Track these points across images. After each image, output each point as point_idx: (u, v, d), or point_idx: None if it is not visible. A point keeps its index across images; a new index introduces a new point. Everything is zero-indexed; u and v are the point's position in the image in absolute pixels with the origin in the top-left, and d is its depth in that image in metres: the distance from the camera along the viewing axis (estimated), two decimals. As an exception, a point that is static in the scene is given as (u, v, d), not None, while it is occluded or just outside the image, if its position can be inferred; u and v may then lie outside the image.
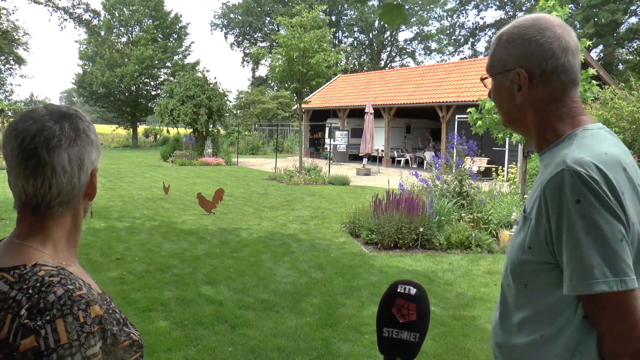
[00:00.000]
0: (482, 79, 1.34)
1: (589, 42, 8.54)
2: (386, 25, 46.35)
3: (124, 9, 37.23)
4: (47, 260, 0.93)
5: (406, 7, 44.54)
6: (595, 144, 1.14)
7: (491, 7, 40.25)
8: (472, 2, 40.56)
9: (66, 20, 12.63)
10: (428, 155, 19.30)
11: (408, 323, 1.12)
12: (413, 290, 1.14)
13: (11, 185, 0.98)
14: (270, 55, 17.73)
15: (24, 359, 0.82)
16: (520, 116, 1.27)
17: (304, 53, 15.11)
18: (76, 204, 1.00)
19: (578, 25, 30.39)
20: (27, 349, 0.83)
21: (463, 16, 48.59)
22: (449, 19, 43.79)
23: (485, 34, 41.63)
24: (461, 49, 44.58)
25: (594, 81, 8.14)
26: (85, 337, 0.85)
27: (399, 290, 1.15)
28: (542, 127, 1.24)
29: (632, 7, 30.99)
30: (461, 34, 43.33)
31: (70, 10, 12.44)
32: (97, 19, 14.79)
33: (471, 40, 42.84)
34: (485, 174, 14.86)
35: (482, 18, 75.21)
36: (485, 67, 1.34)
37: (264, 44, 46.77)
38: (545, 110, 1.23)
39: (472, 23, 44.42)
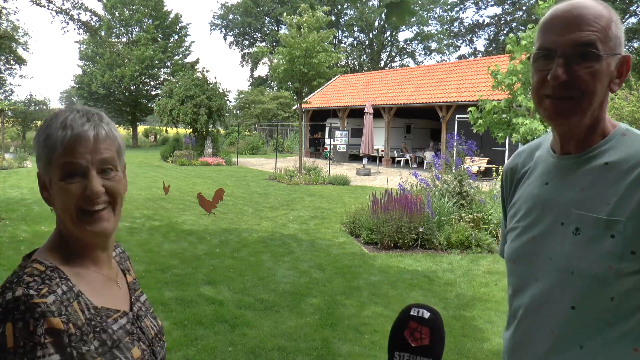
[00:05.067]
0: (589, 51, 1.06)
1: None
2: (386, 25, 46.39)
3: (124, 9, 37.25)
4: (54, 257, 0.98)
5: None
6: None
7: (491, 5, 40.23)
8: (471, 0, 40.57)
9: (68, 23, 12.70)
10: (428, 155, 19.30)
11: (421, 347, 1.07)
12: (427, 314, 1.10)
13: None
14: (271, 55, 17.73)
15: None
16: (597, 107, 1.11)
17: (306, 53, 15.12)
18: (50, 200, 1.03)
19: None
20: None
21: (462, 12, 48.60)
22: (448, 15, 43.83)
23: (485, 32, 41.68)
24: (459, 45, 44.70)
25: None
26: (31, 347, 0.83)
27: (412, 313, 1.11)
28: (600, 122, 1.13)
29: (632, 7, 31.01)
30: (461, 28, 43.34)
31: (71, 12, 12.47)
32: (99, 22, 14.84)
33: (469, 36, 42.85)
34: (485, 174, 14.86)
35: (481, 16, 75.39)
36: (583, 39, 1.07)
37: (263, 44, 46.77)
38: (605, 105, 1.14)
39: (472, 20, 44.28)
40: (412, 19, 44.76)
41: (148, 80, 38.16)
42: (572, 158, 1.15)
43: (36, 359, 0.83)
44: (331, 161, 20.45)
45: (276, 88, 40.53)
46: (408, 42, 48.75)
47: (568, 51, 1.07)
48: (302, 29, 15.26)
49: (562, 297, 1.09)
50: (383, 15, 43.17)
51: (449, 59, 46.91)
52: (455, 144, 9.28)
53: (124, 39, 37.59)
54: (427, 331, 1.08)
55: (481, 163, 16.41)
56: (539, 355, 1.13)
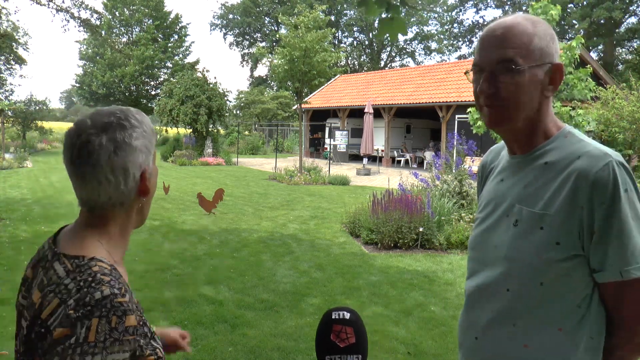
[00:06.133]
0: (510, 67, 1.18)
1: (583, 40, 8.58)
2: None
3: (125, 9, 37.27)
4: (103, 255, 1.00)
5: (404, 8, 44.61)
6: (592, 141, 1.21)
7: (491, 6, 40.23)
8: (471, 1, 40.55)
9: (69, 21, 12.69)
10: (428, 155, 19.31)
11: (349, 346, 1.14)
12: (347, 315, 1.17)
13: None
14: (271, 55, 17.74)
15: (56, 344, 0.88)
16: (532, 112, 1.22)
17: (306, 53, 15.12)
18: (130, 203, 1.05)
19: (576, 24, 30.39)
20: (60, 336, 0.88)
21: (462, 14, 48.70)
22: (448, 16, 43.82)
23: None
24: (460, 46, 44.71)
25: (590, 79, 8.21)
26: (111, 342, 0.89)
27: (333, 317, 1.17)
28: (540, 125, 1.24)
29: (632, 7, 30.98)
30: (460, 30, 43.34)
31: (72, 10, 12.45)
32: (99, 20, 14.83)
33: (469, 37, 42.84)
34: (485, 173, 14.83)
35: (481, 17, 75.43)
36: (504, 56, 1.19)
37: (263, 44, 46.78)
38: (547, 109, 1.25)
39: (472, 22, 44.30)
40: (412, 19, 44.82)
41: (148, 80, 38.18)
42: (520, 157, 1.28)
43: (114, 353, 0.89)
44: (331, 161, 20.45)
45: (276, 88, 40.52)
46: (408, 42, 48.76)
47: (492, 67, 1.20)
48: (299, 29, 15.26)
49: (501, 281, 1.24)
50: (375, 30, 43.45)
51: (449, 59, 46.98)
52: (455, 144, 9.28)
53: (124, 39, 37.60)
54: (352, 330, 1.15)
55: (481, 163, 16.38)
56: (479, 330, 1.28)
